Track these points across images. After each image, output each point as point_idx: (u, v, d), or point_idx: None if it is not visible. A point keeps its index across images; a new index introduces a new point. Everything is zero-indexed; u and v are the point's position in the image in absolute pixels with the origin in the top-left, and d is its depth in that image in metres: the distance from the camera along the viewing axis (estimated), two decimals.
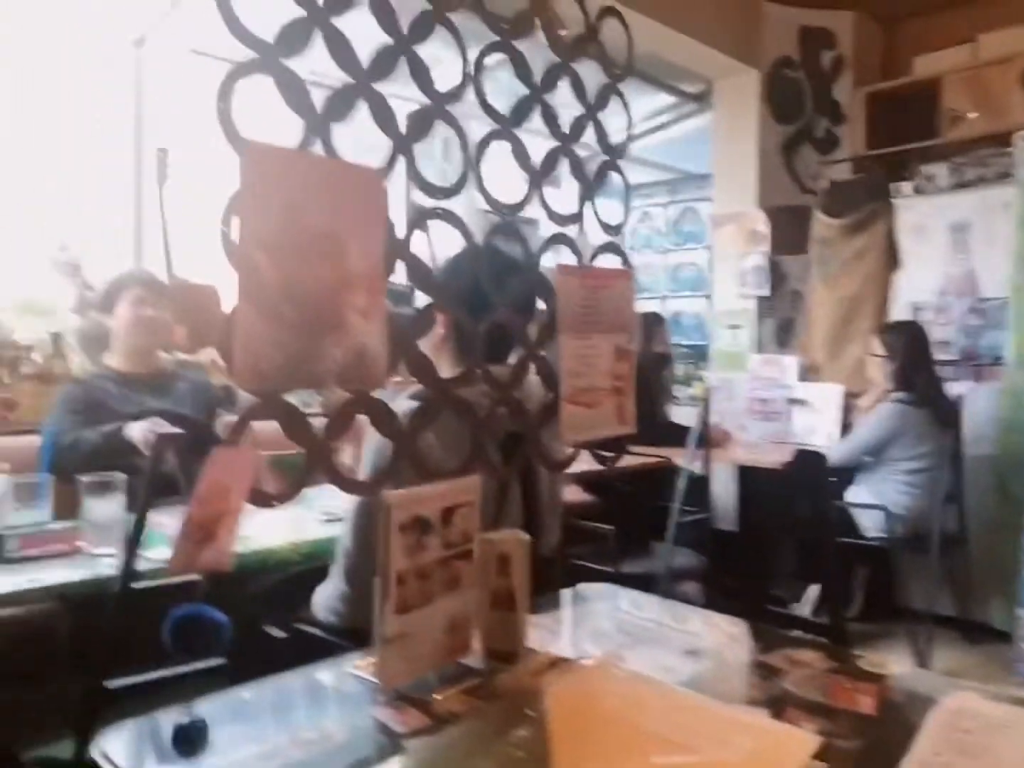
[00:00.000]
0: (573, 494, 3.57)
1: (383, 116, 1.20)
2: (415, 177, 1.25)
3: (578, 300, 1.51)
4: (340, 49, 1.14)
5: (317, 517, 2.05)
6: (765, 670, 1.07)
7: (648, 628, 1.29)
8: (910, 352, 3.51)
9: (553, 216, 1.48)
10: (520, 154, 1.42)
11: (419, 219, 1.27)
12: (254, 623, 1.65)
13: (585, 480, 3.31)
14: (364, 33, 1.20)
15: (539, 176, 1.44)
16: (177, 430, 2.09)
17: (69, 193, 3.12)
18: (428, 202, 1.29)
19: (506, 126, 1.38)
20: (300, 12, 1.09)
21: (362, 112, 1.18)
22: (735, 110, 4.54)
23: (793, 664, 1.09)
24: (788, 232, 4.41)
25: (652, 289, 5.47)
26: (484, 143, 1.35)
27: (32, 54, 2.98)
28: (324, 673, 1.11)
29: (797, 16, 4.42)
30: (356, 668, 1.06)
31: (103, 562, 1.62)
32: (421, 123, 1.25)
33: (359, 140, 1.25)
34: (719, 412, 4.31)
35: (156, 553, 1.63)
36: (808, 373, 4.23)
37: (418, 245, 1.27)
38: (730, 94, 4.57)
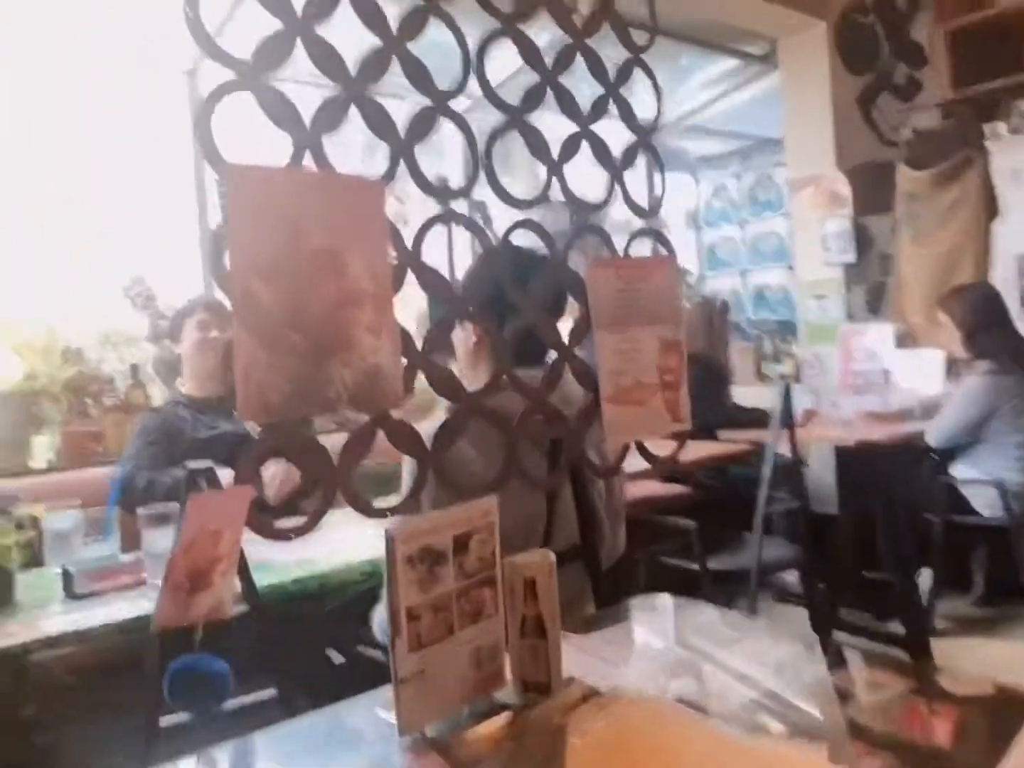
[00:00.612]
0: (655, 487, 3.45)
1: (378, 122, 1.14)
2: (418, 179, 1.19)
3: (613, 293, 1.42)
4: (325, 58, 1.09)
5: (379, 534, 2.02)
6: (831, 694, 0.96)
7: (704, 648, 1.19)
8: (980, 316, 3.21)
9: (577, 204, 1.39)
10: (537, 144, 1.33)
11: (428, 225, 1.21)
12: (315, 648, 1.64)
13: (665, 473, 3.18)
14: (354, 34, 1.15)
15: (559, 165, 1.35)
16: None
17: (140, 225, 3.22)
18: (435, 207, 1.23)
19: (517, 116, 1.29)
20: (276, 24, 1.05)
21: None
22: (804, 66, 4.28)
23: (865, 685, 0.97)
24: (871, 191, 4.13)
25: (732, 264, 5.25)
26: (493, 137, 1.28)
27: (93, 89, 3.07)
28: (358, 710, 1.07)
29: None
30: (381, 709, 1.01)
31: None
32: (422, 125, 1.19)
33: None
34: (811, 388, 4.09)
35: None
36: (905, 340, 3.95)
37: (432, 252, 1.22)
38: (798, 50, 4.31)
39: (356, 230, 1.10)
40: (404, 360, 1.17)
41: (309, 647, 1.62)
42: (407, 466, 1.33)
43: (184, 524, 0.82)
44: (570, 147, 1.37)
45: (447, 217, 1.23)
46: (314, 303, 1.07)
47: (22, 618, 1.60)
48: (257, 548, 1.90)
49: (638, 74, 1.48)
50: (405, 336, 1.15)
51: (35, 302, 2.95)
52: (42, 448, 2.59)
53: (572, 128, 1.38)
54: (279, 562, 1.82)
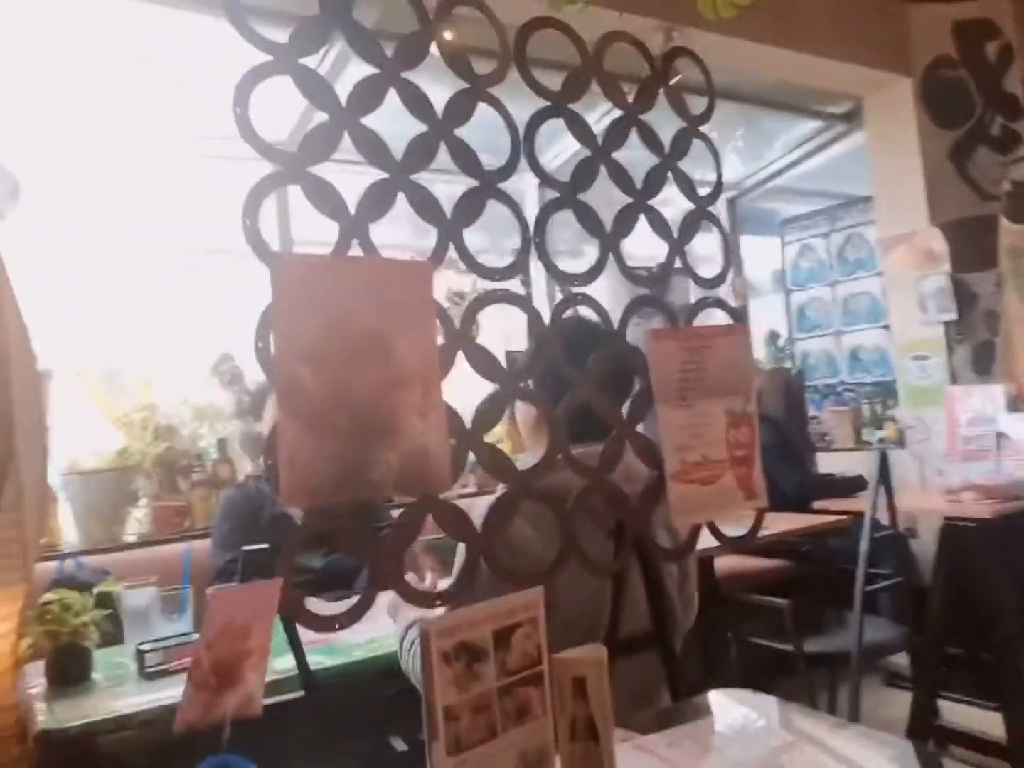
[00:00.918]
0: (746, 562, 3.28)
1: (426, 207, 1.15)
2: (467, 260, 1.18)
3: (677, 365, 1.37)
4: (370, 146, 1.11)
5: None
6: None
7: (787, 756, 1.09)
8: None
9: (633, 278, 1.35)
10: (590, 221, 1.31)
11: (478, 306, 1.20)
12: (378, 734, 1.60)
13: (754, 548, 3.03)
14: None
15: (613, 239, 1.33)
16: None
17: (232, 300, 3.34)
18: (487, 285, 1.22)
19: (565, 193, 1.28)
20: (322, 116, 1.08)
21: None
22: (891, 124, 4.17)
23: None
24: (971, 246, 3.93)
25: (823, 325, 5.06)
26: (544, 216, 1.26)
27: (162, 160, 3.21)
28: None
29: (948, 11, 4.01)
30: None
31: None
32: (469, 206, 1.19)
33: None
34: (916, 454, 3.86)
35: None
36: (1017, 403, 3.69)
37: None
38: (883, 108, 4.21)
39: (403, 312, 1.10)
40: (453, 441, 1.15)
41: (371, 733, 1.58)
42: (460, 549, 1.30)
43: (206, 619, 0.81)
44: (625, 220, 1.35)
45: (498, 297, 1.22)
46: (360, 386, 1.06)
47: (97, 696, 1.62)
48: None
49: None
50: (453, 416, 1.13)
51: (137, 374, 3.09)
52: (134, 522, 2.69)
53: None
54: (342, 643, 1.80)
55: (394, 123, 1.13)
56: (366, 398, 1.07)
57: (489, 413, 1.19)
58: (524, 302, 1.25)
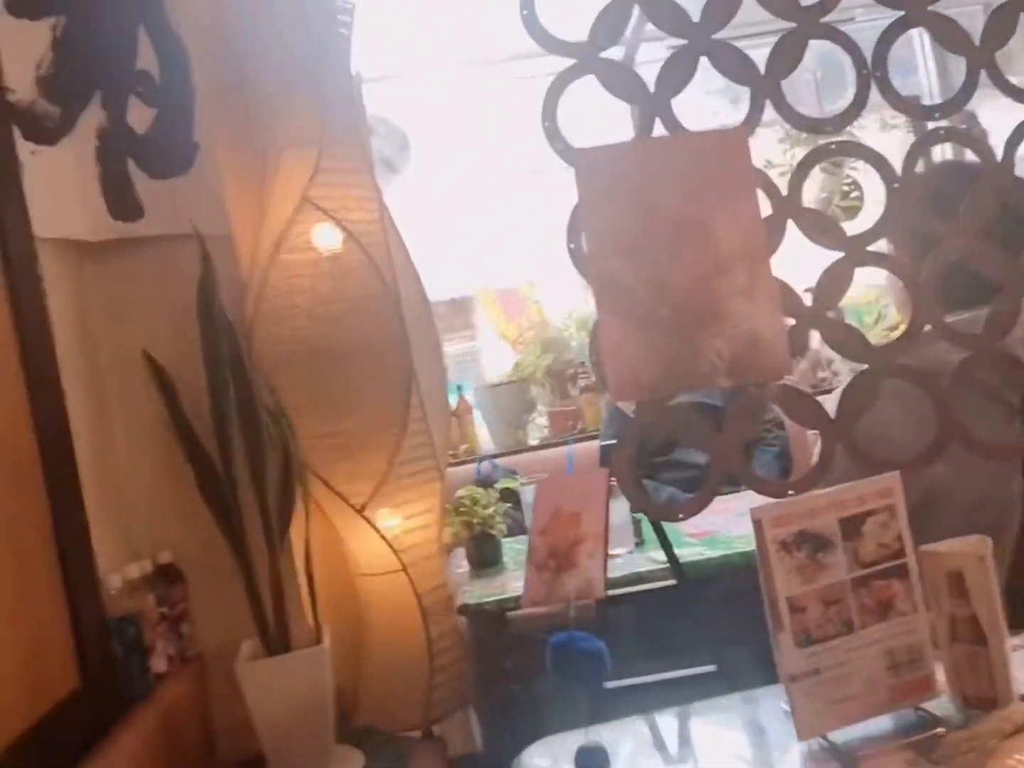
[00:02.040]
0: None
1: (733, 65, 1.03)
2: (788, 115, 1.05)
3: None
4: (664, 15, 1.02)
5: None
6: None
7: None
8: None
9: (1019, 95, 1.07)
10: (949, 33, 1.07)
11: (810, 162, 1.06)
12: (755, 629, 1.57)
13: None
14: None
15: (985, 53, 1.06)
16: None
17: None
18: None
19: (914, 6, 1.05)
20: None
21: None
22: None
23: None
24: None
25: None
26: (886, 42, 1.06)
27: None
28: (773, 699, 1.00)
29: None
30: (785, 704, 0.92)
31: (614, 563, 1.74)
32: (788, 52, 1.05)
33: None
34: None
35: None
36: None
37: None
38: None
39: (719, 188, 1.02)
40: (792, 320, 1.05)
41: (749, 626, 1.56)
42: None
43: (535, 506, 0.86)
44: (1002, 28, 1.07)
45: (833, 151, 1.06)
46: (678, 275, 1.02)
47: (505, 577, 1.85)
48: (705, 520, 1.92)
49: None
50: (789, 294, 1.03)
51: (526, 294, 3.35)
52: (534, 428, 2.97)
53: None
54: (724, 535, 1.79)
55: None
56: (686, 285, 1.02)
57: (831, 286, 1.05)
58: (866, 151, 1.07)
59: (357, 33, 1.49)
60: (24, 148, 1.10)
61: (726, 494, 1.76)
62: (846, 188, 3.37)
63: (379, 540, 1.49)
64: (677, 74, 1.03)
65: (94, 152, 1.24)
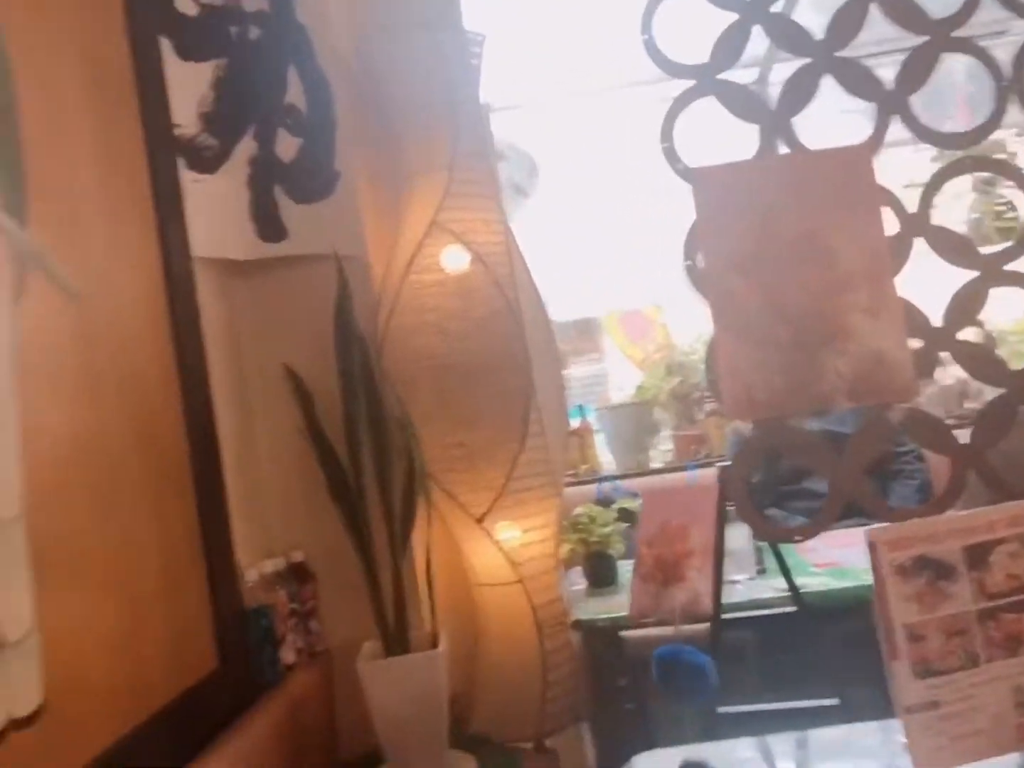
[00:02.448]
0: None
1: (857, 81, 1.02)
2: (918, 131, 1.02)
3: None
4: (786, 35, 1.02)
5: None
6: None
7: None
8: None
9: None
10: None
11: (940, 181, 1.02)
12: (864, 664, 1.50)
13: None
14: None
15: None
16: None
17: None
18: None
19: None
20: (731, 16, 1.03)
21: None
22: None
23: None
24: None
25: None
26: None
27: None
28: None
29: None
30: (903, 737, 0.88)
31: (734, 589, 1.70)
32: (916, 67, 1.02)
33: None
34: None
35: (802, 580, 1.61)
36: None
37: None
38: None
39: (841, 206, 1.01)
40: (919, 342, 1.01)
41: (865, 662, 1.49)
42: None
43: (642, 516, 0.87)
44: None
45: (967, 166, 1.02)
46: (797, 292, 1.01)
47: (620, 597, 1.84)
48: (832, 551, 1.84)
49: None
50: (914, 313, 1.00)
51: (653, 317, 3.34)
52: (657, 452, 2.95)
53: None
54: (851, 567, 1.72)
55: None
56: (806, 303, 1.01)
57: (965, 305, 1.01)
58: (1008, 167, 1.03)
59: (487, 63, 1.56)
60: (187, 177, 1.23)
61: (857, 526, 1.69)
62: (1000, 208, 3.18)
63: (497, 551, 1.53)
64: (799, 92, 1.02)
65: (246, 179, 1.36)
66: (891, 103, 1.01)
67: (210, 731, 1.04)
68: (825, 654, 1.37)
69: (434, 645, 1.35)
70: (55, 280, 0.90)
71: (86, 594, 0.88)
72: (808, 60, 1.02)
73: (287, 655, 1.30)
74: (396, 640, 1.34)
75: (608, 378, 3.51)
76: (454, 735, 1.39)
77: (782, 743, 0.99)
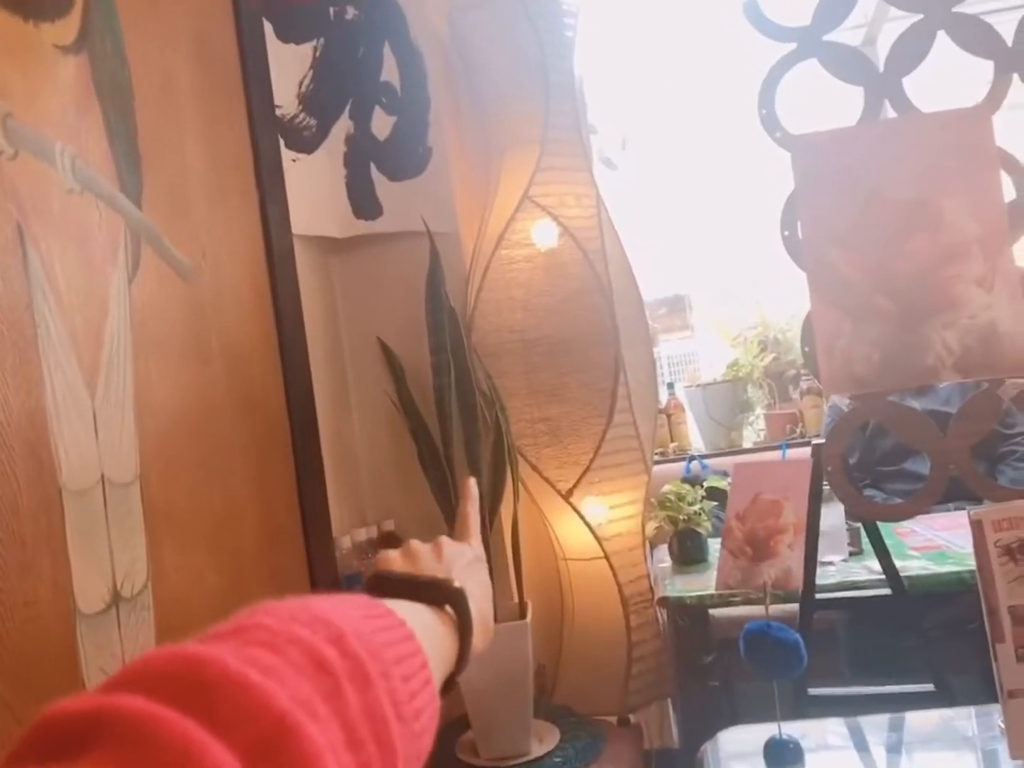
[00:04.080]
0: None
1: (974, 38, 0.96)
2: None
3: None
4: None
5: None
6: None
7: None
8: None
9: None
10: None
11: None
12: (964, 649, 1.43)
13: None
14: None
15: None
16: None
17: None
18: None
19: None
20: None
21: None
22: None
23: None
24: None
25: None
26: None
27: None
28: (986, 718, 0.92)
29: None
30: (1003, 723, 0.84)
31: (827, 570, 1.65)
32: None
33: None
34: None
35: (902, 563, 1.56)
36: None
37: None
38: None
39: (953, 171, 0.96)
40: None
41: (964, 646, 1.43)
42: None
43: (732, 489, 0.85)
44: None
45: None
46: (902, 262, 0.97)
47: (708, 576, 1.82)
48: (934, 534, 1.77)
49: None
50: None
51: (748, 294, 3.26)
52: (750, 431, 2.88)
53: None
54: (955, 551, 1.65)
55: None
56: (911, 274, 0.97)
57: None
58: None
59: (581, 36, 1.55)
60: (287, 156, 1.26)
61: (958, 511, 1.62)
62: None
63: (583, 526, 1.53)
64: (910, 51, 0.97)
65: (342, 158, 1.39)
66: (1011, 61, 0.95)
67: None
68: (920, 639, 1.32)
69: (521, 616, 1.37)
70: (166, 257, 0.95)
71: (193, 555, 0.93)
72: (920, 16, 0.97)
73: None
74: None
75: (698, 356, 3.45)
76: (538, 706, 1.41)
77: (873, 725, 0.96)
